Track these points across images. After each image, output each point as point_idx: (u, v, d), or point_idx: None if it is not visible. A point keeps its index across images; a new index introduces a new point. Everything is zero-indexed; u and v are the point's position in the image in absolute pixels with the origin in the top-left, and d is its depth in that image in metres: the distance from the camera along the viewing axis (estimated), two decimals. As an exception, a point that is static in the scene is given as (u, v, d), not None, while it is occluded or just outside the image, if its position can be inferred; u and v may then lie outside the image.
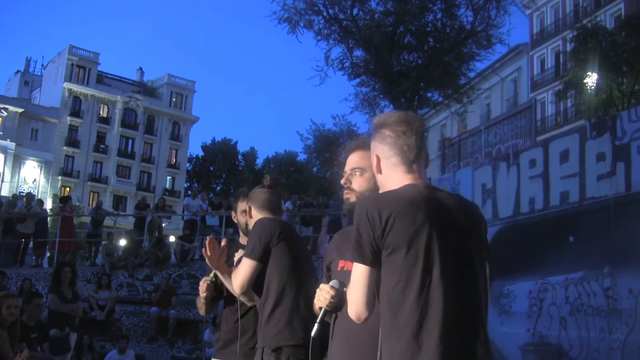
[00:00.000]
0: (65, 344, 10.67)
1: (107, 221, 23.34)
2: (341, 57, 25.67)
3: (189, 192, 38.49)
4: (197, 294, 16.22)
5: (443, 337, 2.38)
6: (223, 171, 75.28)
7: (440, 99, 27.56)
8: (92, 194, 65.76)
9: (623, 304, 7.73)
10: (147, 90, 73.99)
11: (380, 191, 2.81)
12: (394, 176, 2.74)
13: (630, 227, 7.90)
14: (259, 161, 78.27)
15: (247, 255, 4.02)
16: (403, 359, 2.40)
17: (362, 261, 2.54)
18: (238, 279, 4.02)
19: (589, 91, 24.14)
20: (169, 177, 73.40)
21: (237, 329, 4.33)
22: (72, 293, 11.34)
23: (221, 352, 4.53)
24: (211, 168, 76.53)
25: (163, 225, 21.21)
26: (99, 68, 70.88)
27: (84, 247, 19.80)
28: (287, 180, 69.42)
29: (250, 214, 4.36)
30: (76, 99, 67.17)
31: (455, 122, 41.07)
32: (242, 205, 4.73)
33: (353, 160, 3.23)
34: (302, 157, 51.53)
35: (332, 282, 2.96)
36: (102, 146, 68.46)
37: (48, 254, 20.22)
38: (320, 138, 35.46)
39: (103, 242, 18.88)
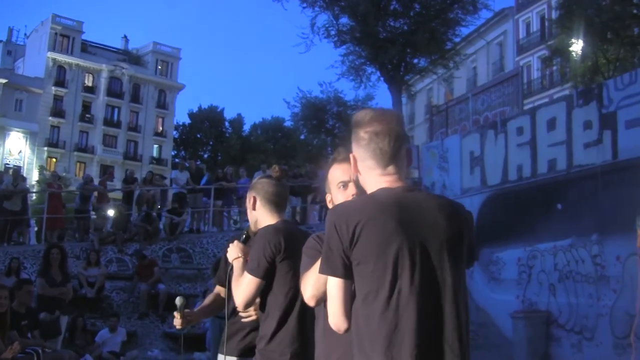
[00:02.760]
0: (55, 328, 10.53)
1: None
2: (327, 25, 25.60)
3: (177, 160, 38.28)
4: (187, 268, 15.87)
5: (415, 352, 2.36)
6: (210, 138, 75.24)
7: (427, 64, 27.61)
8: (78, 164, 65.75)
9: (611, 271, 7.82)
10: (132, 58, 73.52)
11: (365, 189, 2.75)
12: (370, 179, 2.68)
13: (617, 194, 7.95)
14: (246, 128, 78.09)
15: (251, 271, 3.76)
16: None
17: (334, 274, 2.50)
18: (241, 295, 3.77)
19: (575, 58, 24.16)
20: (155, 146, 73.34)
21: (233, 324, 4.17)
22: (61, 275, 11.06)
23: (225, 346, 4.37)
24: (198, 135, 76.43)
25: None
26: (83, 37, 70.38)
27: (72, 222, 19.62)
28: (275, 147, 69.41)
29: (254, 205, 4.11)
30: (60, 68, 66.75)
31: (441, 86, 41.01)
32: None
33: (335, 176, 3.20)
34: (289, 123, 51.55)
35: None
36: (87, 116, 68.20)
37: (36, 228, 20.07)
38: (307, 105, 35.43)
39: (92, 217, 18.75)
